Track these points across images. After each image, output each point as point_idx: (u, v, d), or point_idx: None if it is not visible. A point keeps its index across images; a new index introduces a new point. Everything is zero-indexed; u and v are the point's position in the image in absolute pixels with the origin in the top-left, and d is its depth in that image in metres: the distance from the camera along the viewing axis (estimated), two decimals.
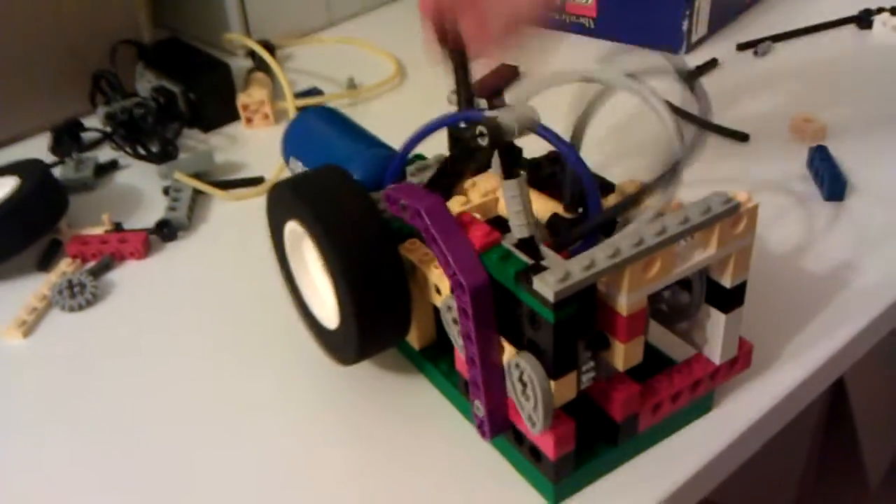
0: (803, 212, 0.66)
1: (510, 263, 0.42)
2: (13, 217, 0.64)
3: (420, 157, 0.58)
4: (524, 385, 0.42)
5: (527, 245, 0.44)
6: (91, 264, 0.67)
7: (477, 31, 0.47)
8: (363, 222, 0.46)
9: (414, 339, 0.53)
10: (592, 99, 0.50)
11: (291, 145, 0.59)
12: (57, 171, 0.76)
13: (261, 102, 0.82)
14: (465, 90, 0.49)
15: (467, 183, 0.52)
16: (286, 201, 0.48)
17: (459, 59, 0.48)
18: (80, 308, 0.63)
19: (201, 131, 0.84)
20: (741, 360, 0.49)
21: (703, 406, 0.50)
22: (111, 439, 0.53)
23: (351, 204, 0.47)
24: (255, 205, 0.72)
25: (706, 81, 0.84)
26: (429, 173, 0.53)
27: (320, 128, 0.58)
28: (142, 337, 0.60)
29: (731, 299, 0.46)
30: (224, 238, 0.69)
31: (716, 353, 0.48)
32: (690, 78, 0.46)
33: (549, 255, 0.43)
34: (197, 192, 0.73)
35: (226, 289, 0.63)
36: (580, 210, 0.49)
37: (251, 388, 0.55)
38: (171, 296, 0.64)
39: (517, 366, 0.42)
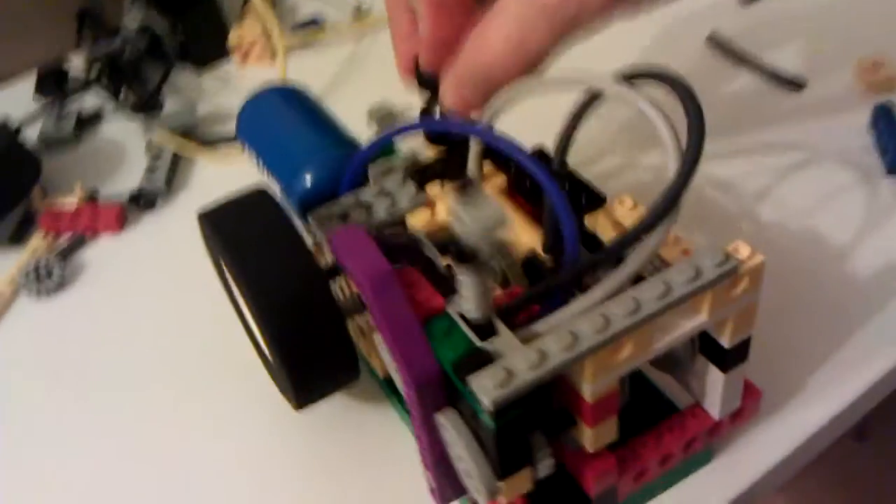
0: (856, 188, 0.56)
1: (450, 343, 0.35)
2: None
3: (390, 151, 0.50)
4: (470, 477, 0.36)
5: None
6: (63, 241, 0.62)
7: (454, 97, 0.42)
8: (289, 269, 0.40)
9: (377, 366, 0.47)
10: (578, 108, 0.41)
11: (244, 130, 0.51)
12: (37, 127, 0.71)
13: (251, 43, 0.74)
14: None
15: (435, 188, 0.45)
16: (208, 237, 0.42)
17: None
18: (48, 293, 0.59)
19: (193, 71, 0.77)
20: (746, 411, 0.42)
21: (701, 458, 0.43)
22: (83, 433, 0.50)
23: (276, 245, 0.40)
24: (242, 163, 0.66)
25: (762, 9, 0.73)
26: (394, 177, 0.46)
27: (277, 114, 0.51)
28: (113, 321, 0.56)
29: (730, 358, 0.39)
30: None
31: (714, 407, 0.41)
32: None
33: (502, 333, 0.35)
34: (178, 153, 0.67)
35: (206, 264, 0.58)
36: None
37: (233, 373, 0.51)
38: (146, 274, 0.59)
39: (460, 458, 0.36)
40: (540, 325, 0.36)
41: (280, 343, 0.40)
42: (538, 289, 0.38)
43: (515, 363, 0.33)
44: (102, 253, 0.62)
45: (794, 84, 0.64)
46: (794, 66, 0.65)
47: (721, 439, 0.43)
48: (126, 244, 0.62)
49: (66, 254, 0.61)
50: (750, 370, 0.40)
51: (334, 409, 0.48)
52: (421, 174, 0.46)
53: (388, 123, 0.49)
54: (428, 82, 0.44)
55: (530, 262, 0.42)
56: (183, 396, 0.51)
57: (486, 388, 0.32)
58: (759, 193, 0.57)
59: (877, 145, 0.58)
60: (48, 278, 0.59)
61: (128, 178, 0.66)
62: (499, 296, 0.40)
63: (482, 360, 0.34)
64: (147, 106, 0.70)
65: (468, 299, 0.35)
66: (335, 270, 0.41)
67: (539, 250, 0.43)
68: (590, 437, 0.37)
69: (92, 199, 0.64)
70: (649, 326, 0.35)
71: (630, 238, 0.36)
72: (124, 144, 0.70)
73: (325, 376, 0.42)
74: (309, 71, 0.73)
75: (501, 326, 0.35)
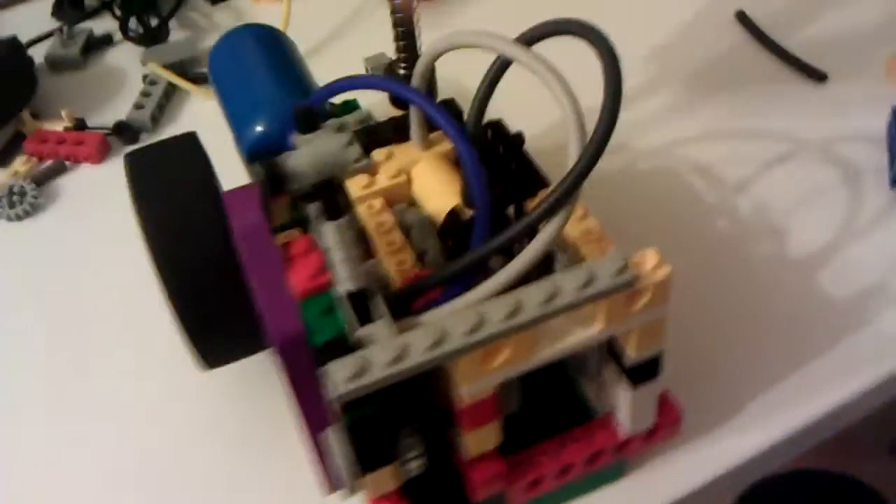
0: (852, 196, 0.52)
1: (325, 323, 0.33)
2: None
3: (351, 105, 0.48)
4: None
5: (356, 299, 0.34)
6: (44, 165, 0.62)
7: None
8: (194, 222, 0.38)
9: None
10: (492, 69, 0.38)
11: (213, 67, 0.50)
12: (46, 46, 0.71)
13: None
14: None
15: (381, 153, 0.43)
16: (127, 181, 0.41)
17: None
18: (19, 218, 0.59)
19: (207, 3, 0.75)
20: (663, 430, 0.40)
21: (611, 472, 0.41)
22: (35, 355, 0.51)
23: (185, 196, 0.39)
24: None
25: None
26: (342, 137, 0.44)
27: (244, 56, 0.49)
28: (79, 253, 0.56)
29: (636, 374, 0.36)
30: None
31: (624, 422, 0.38)
32: None
33: (381, 319, 0.33)
34: (173, 87, 0.66)
35: None
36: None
37: None
38: (120, 209, 0.58)
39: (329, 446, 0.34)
40: (430, 315, 0.34)
41: (177, 298, 0.39)
42: (440, 274, 0.35)
43: (375, 356, 0.31)
44: (81, 182, 0.61)
45: (815, 74, 0.59)
46: (821, 56, 0.60)
47: (635, 455, 0.40)
48: (105, 176, 0.61)
49: (43, 179, 0.61)
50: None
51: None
52: (371, 136, 0.44)
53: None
54: None
55: (449, 221, 0.39)
56: (139, 336, 0.50)
57: (337, 379, 0.30)
58: (739, 185, 0.53)
59: (889, 150, 0.53)
60: (20, 203, 0.59)
61: (122, 109, 0.66)
62: (408, 277, 0.38)
63: (347, 346, 0.32)
64: (151, 37, 0.69)
65: (341, 264, 0.33)
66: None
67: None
68: (468, 442, 0.35)
69: (79, 126, 0.64)
70: (532, 332, 0.32)
71: (520, 229, 0.33)
72: (125, 74, 0.69)
73: (228, 338, 0.41)
74: (315, 15, 0.71)
75: (383, 311, 0.33)
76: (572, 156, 0.33)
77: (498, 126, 0.42)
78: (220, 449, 0.44)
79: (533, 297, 0.32)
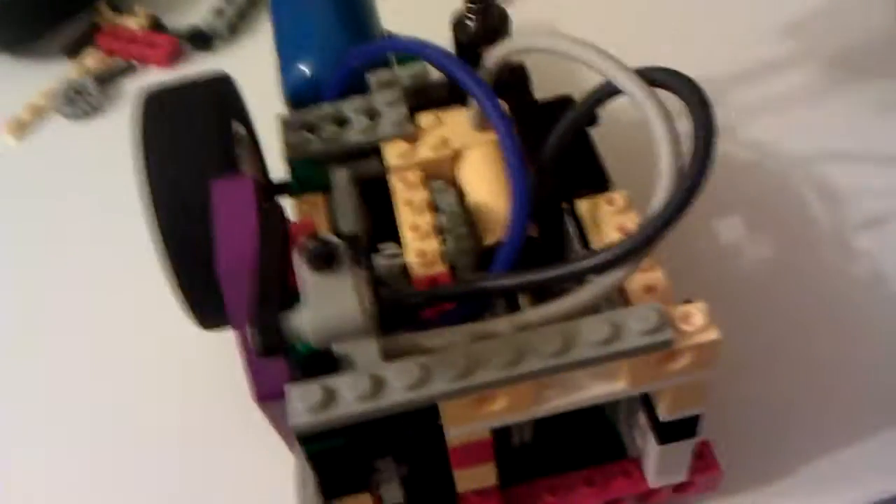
0: None
1: None
2: None
3: (407, 59, 0.42)
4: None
5: None
6: (112, 63, 0.59)
7: None
8: (194, 170, 0.34)
9: None
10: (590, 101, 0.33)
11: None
12: None
13: None
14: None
15: (428, 118, 0.37)
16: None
17: None
18: (78, 117, 0.57)
19: None
20: (698, 485, 0.34)
21: None
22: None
23: (191, 143, 0.35)
24: None
25: None
26: (389, 94, 0.38)
27: None
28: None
29: (667, 432, 0.31)
30: (264, 58, 0.58)
31: (650, 473, 0.33)
32: None
33: (367, 337, 0.29)
34: None
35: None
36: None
37: None
38: None
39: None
40: (428, 335, 0.29)
41: (169, 252, 0.35)
42: (459, 289, 0.31)
43: (343, 388, 0.26)
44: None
45: None
46: None
47: None
48: None
49: (108, 78, 0.58)
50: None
51: None
52: (422, 97, 0.38)
53: None
54: None
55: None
56: None
57: (297, 408, 0.26)
58: (858, 206, 0.45)
59: None
60: (83, 101, 0.56)
61: (202, 12, 0.62)
62: (424, 277, 0.33)
63: (331, 361, 0.28)
64: None
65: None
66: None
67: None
68: (457, 477, 0.30)
69: (154, 26, 0.60)
70: (533, 384, 0.27)
71: (566, 273, 0.28)
72: None
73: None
74: None
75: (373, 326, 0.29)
76: (656, 203, 0.27)
77: (567, 103, 0.37)
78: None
79: (542, 345, 0.26)
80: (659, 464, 0.32)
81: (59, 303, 0.48)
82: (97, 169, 0.53)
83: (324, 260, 0.26)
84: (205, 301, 0.37)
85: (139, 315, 0.46)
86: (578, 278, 0.28)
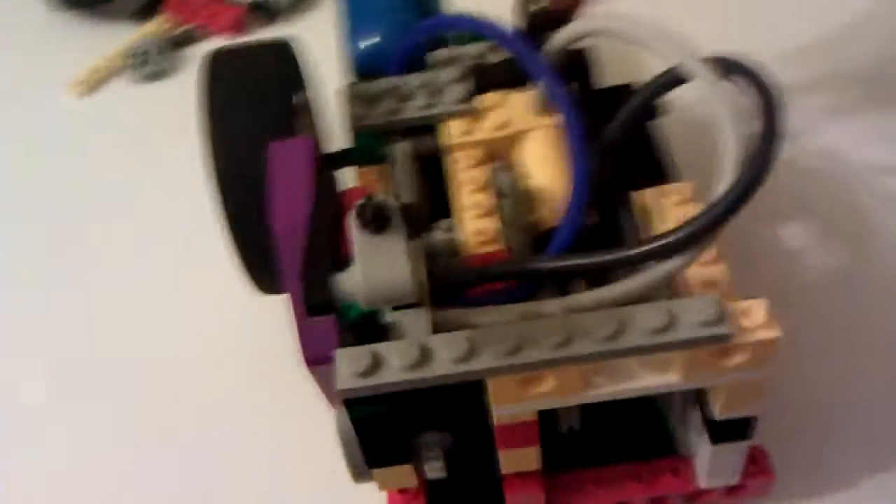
0: None
1: None
2: None
3: (474, 38, 0.42)
4: None
5: None
6: (179, 30, 0.59)
7: None
8: (258, 136, 0.34)
9: None
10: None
11: None
12: None
13: None
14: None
15: (491, 98, 0.37)
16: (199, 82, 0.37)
17: None
18: (144, 80, 0.57)
19: None
20: (749, 489, 0.33)
21: None
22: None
23: (254, 109, 0.35)
24: None
25: None
26: (453, 71, 0.38)
27: None
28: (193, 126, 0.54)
29: (723, 432, 0.30)
30: (327, 31, 0.58)
31: (702, 473, 0.32)
32: None
33: (419, 307, 0.28)
34: None
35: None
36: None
37: None
38: None
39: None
40: (479, 312, 0.28)
41: (228, 213, 0.35)
42: (515, 267, 0.30)
43: (391, 356, 0.26)
44: None
45: None
46: None
47: None
48: None
49: (174, 45, 0.58)
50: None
51: None
52: (486, 76, 0.38)
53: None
54: None
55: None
56: None
57: (343, 372, 0.26)
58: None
59: None
60: (148, 64, 0.57)
61: None
62: (481, 256, 0.32)
63: (378, 328, 0.27)
64: None
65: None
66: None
67: None
68: (501, 458, 0.30)
69: None
70: (583, 367, 0.26)
71: (622, 258, 0.27)
72: None
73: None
74: None
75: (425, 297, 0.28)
76: (719, 190, 0.26)
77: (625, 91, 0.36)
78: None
79: (594, 328, 0.26)
80: (711, 464, 0.31)
81: (108, 261, 0.48)
82: (157, 131, 0.54)
83: (378, 222, 0.25)
84: (263, 264, 0.37)
85: (189, 278, 0.46)
86: (634, 264, 0.27)
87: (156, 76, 0.57)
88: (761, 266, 0.42)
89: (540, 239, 0.32)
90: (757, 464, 0.33)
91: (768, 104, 0.27)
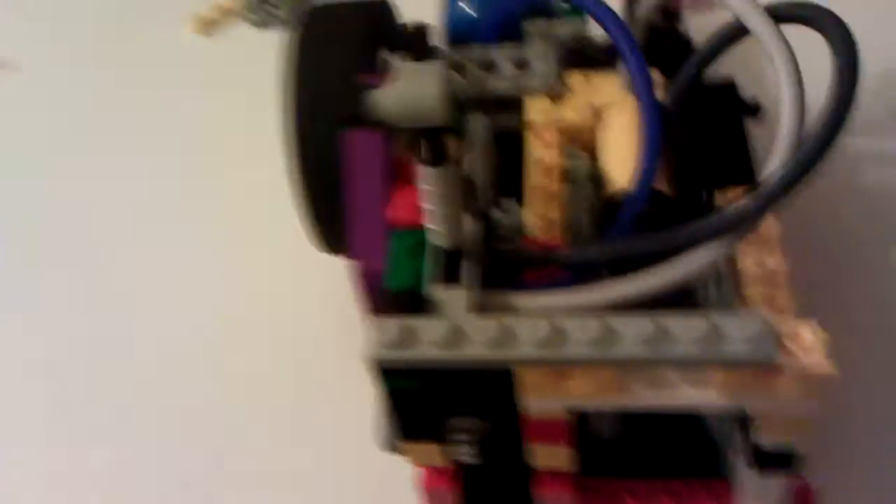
0: None
1: (406, 265, 0.29)
2: None
3: (576, 11, 0.40)
4: None
5: (448, 258, 0.29)
6: None
7: None
8: (337, 102, 0.34)
9: None
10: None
11: None
12: None
13: None
14: None
15: (577, 79, 0.36)
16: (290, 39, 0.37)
17: None
18: (266, 26, 0.58)
19: None
20: None
21: None
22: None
23: (339, 71, 0.35)
24: None
25: None
26: (544, 46, 0.37)
27: None
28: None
29: (764, 460, 0.28)
30: None
31: (741, 500, 0.31)
32: None
33: (462, 288, 0.28)
34: None
35: None
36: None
37: None
38: None
39: None
40: (521, 296, 0.28)
41: (302, 171, 0.36)
42: (571, 255, 0.29)
43: (423, 331, 0.26)
44: None
45: None
46: None
47: None
48: None
49: None
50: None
51: None
52: (577, 56, 0.37)
53: None
54: None
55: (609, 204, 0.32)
56: None
57: (375, 340, 0.26)
58: None
59: None
60: (268, 10, 0.58)
61: None
62: (541, 240, 0.32)
63: (418, 301, 0.27)
64: None
65: (432, 215, 0.28)
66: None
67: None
68: (534, 451, 0.29)
69: None
70: (619, 370, 0.26)
71: (670, 241, 0.26)
72: None
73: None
74: None
75: (472, 280, 0.28)
76: (774, 163, 0.25)
77: (728, 88, 0.34)
78: None
79: (632, 329, 0.25)
80: (752, 493, 0.30)
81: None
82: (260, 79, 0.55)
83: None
84: (332, 222, 0.37)
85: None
86: (689, 246, 0.26)
87: (275, 22, 0.58)
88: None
89: (609, 208, 0.32)
90: (801, 496, 0.31)
91: (845, 64, 0.25)
